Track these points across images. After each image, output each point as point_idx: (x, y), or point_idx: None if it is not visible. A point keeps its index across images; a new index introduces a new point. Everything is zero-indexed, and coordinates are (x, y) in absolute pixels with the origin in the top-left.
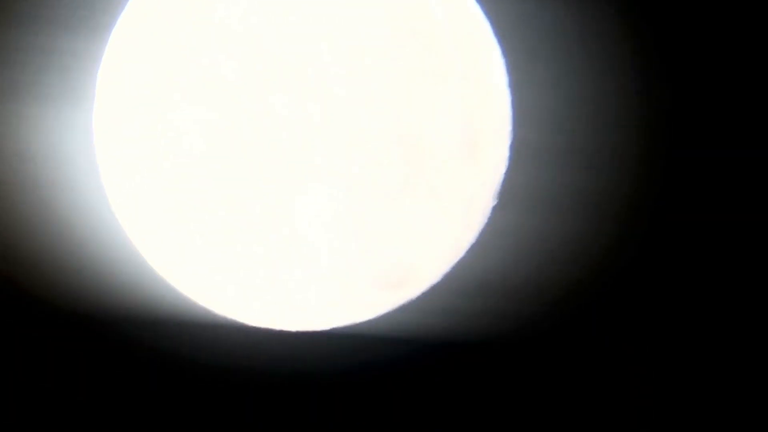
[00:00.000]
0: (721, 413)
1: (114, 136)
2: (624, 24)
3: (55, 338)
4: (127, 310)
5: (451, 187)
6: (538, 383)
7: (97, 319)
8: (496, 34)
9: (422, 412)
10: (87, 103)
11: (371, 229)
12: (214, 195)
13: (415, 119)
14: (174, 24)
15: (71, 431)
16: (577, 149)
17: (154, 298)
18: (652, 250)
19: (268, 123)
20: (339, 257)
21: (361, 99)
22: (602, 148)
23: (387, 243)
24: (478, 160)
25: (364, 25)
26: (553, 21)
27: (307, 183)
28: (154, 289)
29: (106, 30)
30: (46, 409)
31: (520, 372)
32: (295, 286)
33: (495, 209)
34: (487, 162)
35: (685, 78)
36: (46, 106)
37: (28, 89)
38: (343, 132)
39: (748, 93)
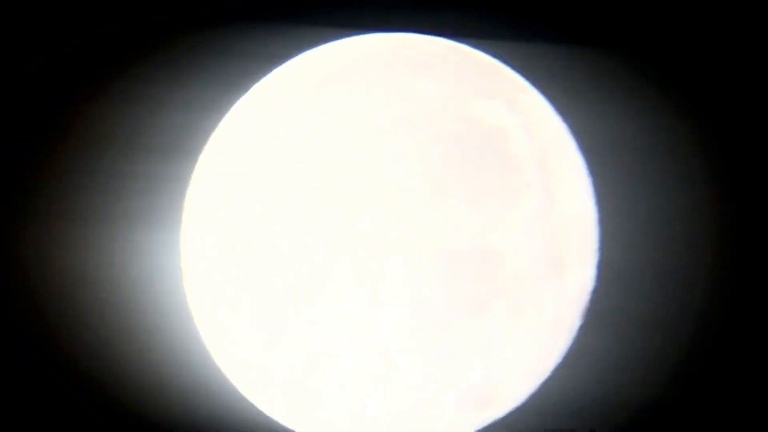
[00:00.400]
0: None
1: (200, 258)
2: (705, 140)
3: None
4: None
5: (536, 307)
6: None
7: None
8: (582, 151)
9: None
10: (174, 226)
11: (455, 348)
12: (297, 315)
13: (499, 237)
14: (257, 150)
15: None
16: (665, 268)
17: (238, 418)
18: (738, 369)
19: (349, 242)
20: (422, 376)
21: (445, 217)
22: (690, 266)
23: (471, 362)
24: (563, 279)
25: (449, 143)
26: (640, 139)
27: (390, 300)
28: (238, 408)
29: (193, 155)
30: None
31: None
32: (378, 404)
33: (581, 329)
34: (573, 281)
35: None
36: (135, 230)
37: (117, 213)
38: (426, 249)
39: None
